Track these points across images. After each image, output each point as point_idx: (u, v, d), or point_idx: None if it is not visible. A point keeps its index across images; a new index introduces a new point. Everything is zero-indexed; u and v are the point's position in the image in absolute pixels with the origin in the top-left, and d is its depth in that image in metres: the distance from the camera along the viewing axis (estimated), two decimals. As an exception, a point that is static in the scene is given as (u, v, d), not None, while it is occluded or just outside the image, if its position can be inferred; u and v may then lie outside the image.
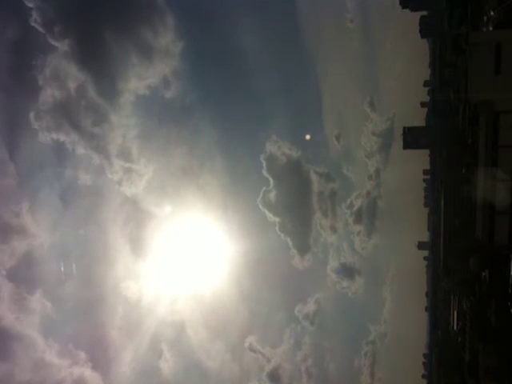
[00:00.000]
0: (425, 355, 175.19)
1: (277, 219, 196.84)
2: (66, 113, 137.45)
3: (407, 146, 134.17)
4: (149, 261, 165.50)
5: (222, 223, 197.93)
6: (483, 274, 56.82)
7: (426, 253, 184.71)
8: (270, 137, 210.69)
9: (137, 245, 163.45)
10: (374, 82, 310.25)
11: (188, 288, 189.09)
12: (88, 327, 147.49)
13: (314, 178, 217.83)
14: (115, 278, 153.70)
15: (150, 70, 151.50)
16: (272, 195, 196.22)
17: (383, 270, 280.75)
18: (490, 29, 58.39)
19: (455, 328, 76.89)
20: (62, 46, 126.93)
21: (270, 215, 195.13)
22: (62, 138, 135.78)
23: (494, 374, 54.23)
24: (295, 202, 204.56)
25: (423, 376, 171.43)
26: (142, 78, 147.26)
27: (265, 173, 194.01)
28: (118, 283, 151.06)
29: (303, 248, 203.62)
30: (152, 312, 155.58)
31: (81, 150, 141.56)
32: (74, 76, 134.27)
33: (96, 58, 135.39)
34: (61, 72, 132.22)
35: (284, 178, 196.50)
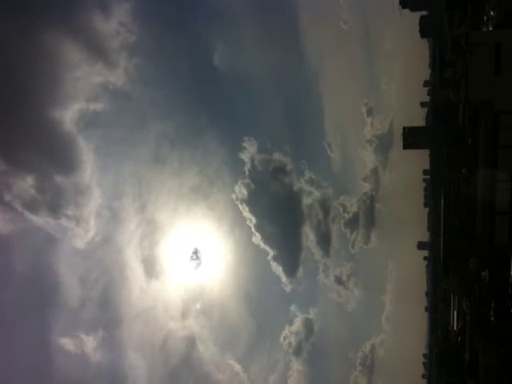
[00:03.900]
0: (425, 355, 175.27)
1: (270, 229, 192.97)
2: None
3: (407, 145, 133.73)
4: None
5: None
6: (483, 273, 56.78)
7: (425, 253, 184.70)
8: (264, 143, 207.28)
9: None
10: (374, 83, 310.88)
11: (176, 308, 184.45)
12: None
13: (310, 182, 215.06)
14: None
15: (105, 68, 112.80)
16: (261, 200, 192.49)
17: (382, 272, 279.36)
18: (490, 29, 58.35)
19: (455, 328, 76.79)
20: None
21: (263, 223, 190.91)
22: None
23: (493, 373, 54.17)
24: (288, 209, 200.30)
25: (423, 376, 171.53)
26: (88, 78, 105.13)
27: (249, 178, 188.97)
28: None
29: (294, 261, 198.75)
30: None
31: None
32: None
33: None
34: None
35: (275, 183, 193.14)
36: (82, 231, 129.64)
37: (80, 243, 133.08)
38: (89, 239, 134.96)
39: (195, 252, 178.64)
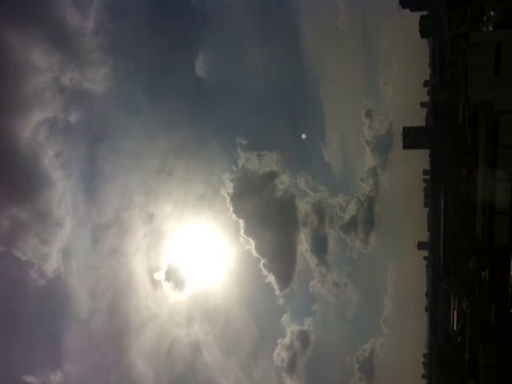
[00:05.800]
0: (425, 355, 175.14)
1: (268, 235, 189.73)
2: None
3: (407, 145, 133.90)
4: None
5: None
6: (483, 274, 56.82)
7: (425, 253, 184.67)
8: (261, 144, 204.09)
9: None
10: (373, 83, 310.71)
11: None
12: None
13: (307, 184, 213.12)
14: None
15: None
16: (261, 202, 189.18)
17: (382, 274, 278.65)
18: (490, 29, 58.32)
19: (455, 328, 76.87)
20: None
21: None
22: None
23: (493, 374, 54.16)
24: (283, 213, 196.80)
25: (423, 376, 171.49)
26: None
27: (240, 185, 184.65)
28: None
29: (288, 269, 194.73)
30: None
31: None
32: None
33: None
34: None
35: (270, 184, 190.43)
36: (49, 266, 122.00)
37: (41, 281, 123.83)
38: (52, 276, 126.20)
39: (167, 273, 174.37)
